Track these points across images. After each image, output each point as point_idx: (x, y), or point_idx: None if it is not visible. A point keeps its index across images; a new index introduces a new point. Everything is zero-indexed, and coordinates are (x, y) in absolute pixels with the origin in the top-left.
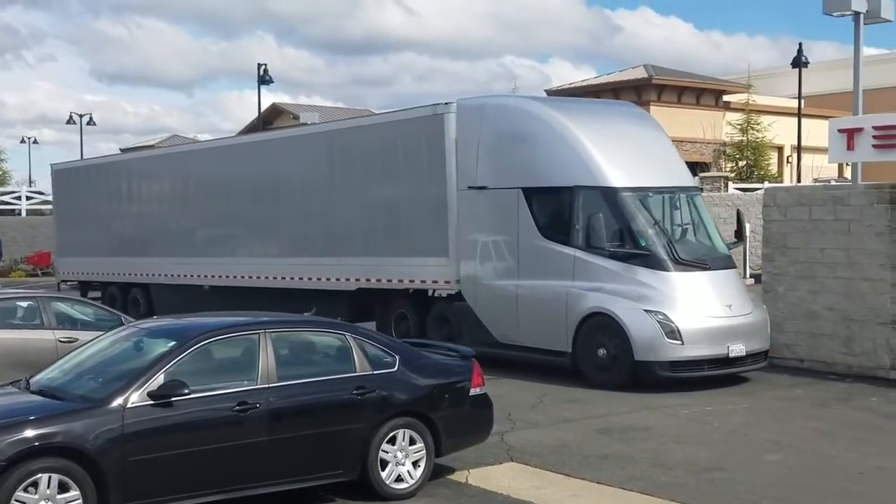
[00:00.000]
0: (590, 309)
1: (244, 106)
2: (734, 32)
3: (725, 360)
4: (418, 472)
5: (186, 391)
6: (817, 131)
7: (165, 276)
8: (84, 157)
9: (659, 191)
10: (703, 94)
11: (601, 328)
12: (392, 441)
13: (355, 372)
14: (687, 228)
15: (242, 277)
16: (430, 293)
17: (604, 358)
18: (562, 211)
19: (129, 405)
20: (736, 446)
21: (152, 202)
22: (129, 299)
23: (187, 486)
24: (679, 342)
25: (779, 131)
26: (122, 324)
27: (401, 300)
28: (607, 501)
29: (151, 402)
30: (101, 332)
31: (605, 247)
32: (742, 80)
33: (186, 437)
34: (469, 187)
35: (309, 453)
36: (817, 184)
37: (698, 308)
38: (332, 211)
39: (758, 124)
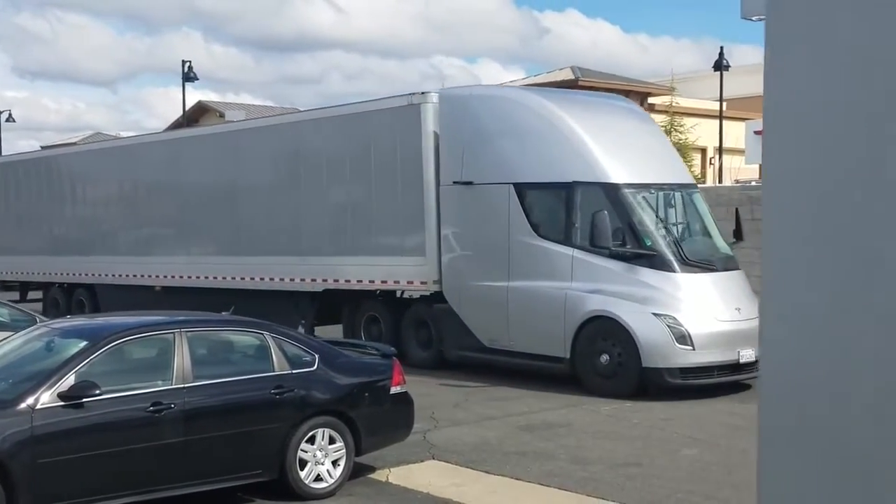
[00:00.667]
0: (591, 312)
1: (170, 103)
2: (660, 35)
3: (735, 366)
4: (338, 472)
5: (98, 392)
6: (739, 133)
7: (113, 276)
8: (19, 152)
9: (660, 188)
10: (629, 95)
11: (604, 333)
12: (311, 440)
13: (274, 371)
14: (690, 227)
15: (197, 278)
16: (398, 294)
17: (607, 364)
18: (558, 208)
19: (38, 406)
20: (653, 442)
21: (99, 197)
22: (73, 301)
23: (100, 489)
24: (689, 347)
25: (702, 133)
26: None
27: (371, 302)
28: (525, 497)
29: (62, 402)
30: (12, 333)
31: (607, 246)
32: (667, 82)
33: (99, 438)
34: (454, 182)
35: (226, 454)
36: (736, 184)
37: (708, 311)
38: (296, 207)
39: (681, 126)
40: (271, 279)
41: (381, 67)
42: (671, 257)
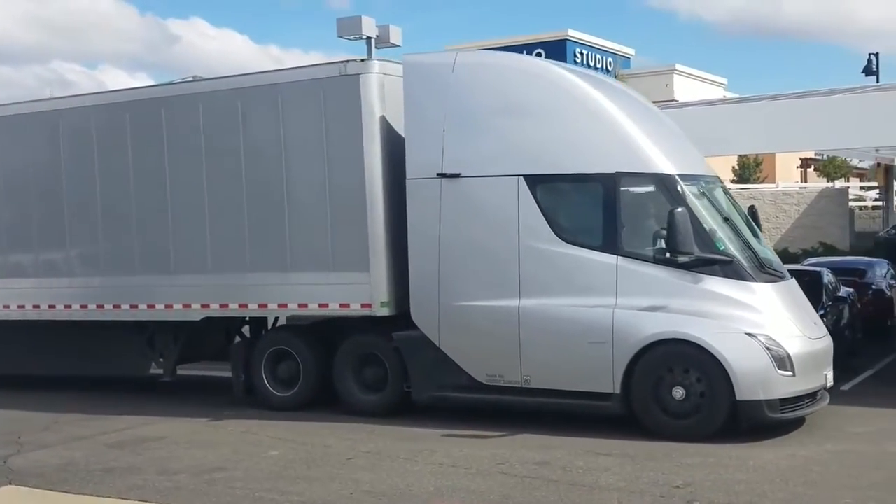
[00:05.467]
0: (655, 335)
1: None
2: (291, 48)
3: (817, 393)
4: None
5: None
6: None
7: None
8: None
9: (707, 181)
10: None
11: (675, 360)
12: None
13: None
14: (743, 228)
15: (7, 308)
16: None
17: (682, 400)
18: (594, 206)
19: None
20: (243, 446)
21: None
22: None
23: None
24: (790, 373)
25: None
26: None
27: (281, 333)
28: None
29: None
30: None
31: (691, 252)
32: None
33: None
34: (438, 175)
35: None
36: None
37: (796, 328)
38: (159, 210)
39: None
40: (116, 307)
41: None
42: (747, 264)
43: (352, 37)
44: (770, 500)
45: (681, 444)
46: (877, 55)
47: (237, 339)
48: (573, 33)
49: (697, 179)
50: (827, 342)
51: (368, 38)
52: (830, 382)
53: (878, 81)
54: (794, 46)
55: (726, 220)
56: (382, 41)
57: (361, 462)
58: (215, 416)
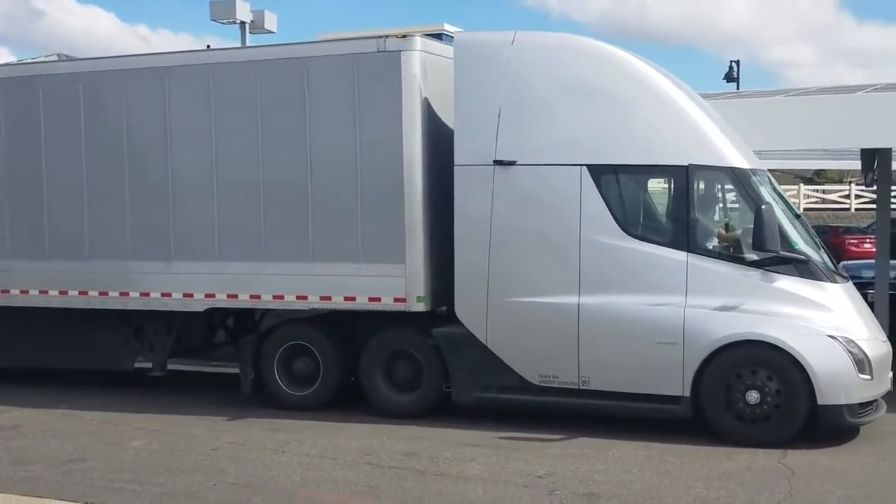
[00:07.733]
0: (730, 336)
1: None
2: (159, 28)
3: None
4: None
5: None
6: None
7: None
8: None
9: (766, 176)
10: None
11: (751, 363)
12: None
13: None
14: (808, 225)
15: None
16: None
17: (756, 405)
18: (662, 199)
19: None
20: (103, 436)
21: None
22: None
23: None
24: (868, 376)
25: None
26: None
27: (298, 327)
28: None
29: None
30: None
31: (776, 250)
32: None
33: None
34: (495, 162)
35: None
36: None
37: (867, 330)
38: (158, 188)
39: None
40: (102, 294)
41: None
42: (821, 263)
43: (225, 20)
44: (627, 490)
45: (546, 434)
46: (738, 62)
47: (220, 332)
48: (449, 27)
49: (762, 174)
50: (889, 345)
51: (242, 23)
52: (891, 386)
53: (738, 88)
54: (659, 50)
55: (797, 217)
56: (257, 27)
57: (227, 453)
58: (73, 404)
